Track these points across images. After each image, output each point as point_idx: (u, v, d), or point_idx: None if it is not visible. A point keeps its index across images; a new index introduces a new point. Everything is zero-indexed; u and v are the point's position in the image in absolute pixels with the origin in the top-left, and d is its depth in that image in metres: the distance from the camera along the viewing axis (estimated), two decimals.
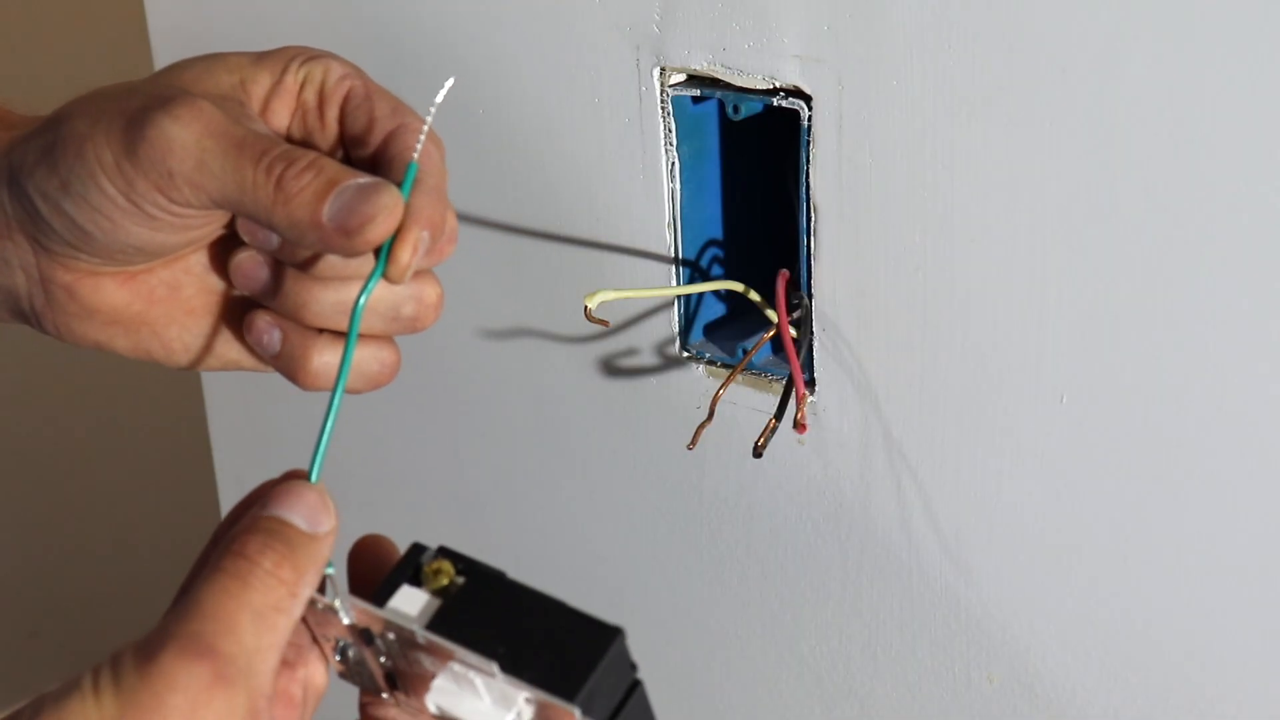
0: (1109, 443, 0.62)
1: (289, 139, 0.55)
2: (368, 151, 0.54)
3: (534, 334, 0.80)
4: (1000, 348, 0.63)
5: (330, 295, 0.54)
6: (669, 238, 0.72)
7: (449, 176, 0.54)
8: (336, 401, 0.49)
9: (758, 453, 0.65)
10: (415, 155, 0.51)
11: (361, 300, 0.50)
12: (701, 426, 0.68)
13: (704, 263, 0.73)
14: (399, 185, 0.50)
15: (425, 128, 0.52)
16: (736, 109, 0.67)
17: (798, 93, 0.65)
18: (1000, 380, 0.64)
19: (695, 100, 0.69)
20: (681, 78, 0.69)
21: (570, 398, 0.79)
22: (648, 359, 0.75)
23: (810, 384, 0.70)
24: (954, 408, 0.65)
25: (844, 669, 0.74)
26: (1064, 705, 0.67)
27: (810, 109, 0.64)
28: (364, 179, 0.50)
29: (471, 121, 0.77)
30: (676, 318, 0.73)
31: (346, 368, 0.50)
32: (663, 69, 0.68)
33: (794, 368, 0.66)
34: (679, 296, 0.73)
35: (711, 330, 0.75)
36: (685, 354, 0.74)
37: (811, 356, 0.69)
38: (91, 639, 2.04)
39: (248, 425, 0.97)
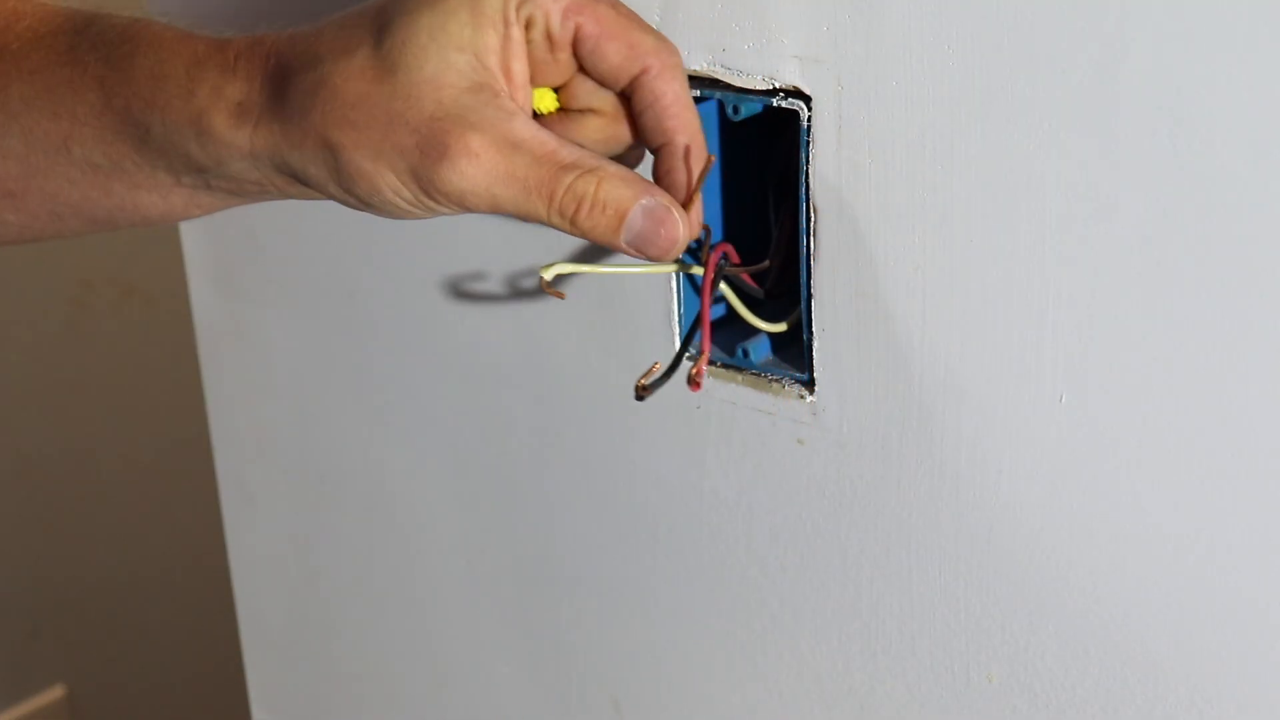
0: (1109, 443, 0.62)
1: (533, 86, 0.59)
2: (616, 90, 0.59)
3: (533, 333, 0.80)
4: (999, 347, 0.63)
5: None
6: None
7: None
8: None
9: (639, 395, 0.65)
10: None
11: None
12: None
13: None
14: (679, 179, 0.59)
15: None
16: (736, 109, 0.67)
17: (797, 93, 0.65)
18: (999, 380, 0.64)
19: (695, 101, 0.69)
20: None
21: (569, 397, 0.79)
22: (648, 359, 0.75)
23: (810, 384, 0.70)
24: (953, 407, 0.65)
25: (844, 669, 0.74)
26: (1064, 705, 0.67)
27: (810, 109, 0.65)
28: (647, 200, 0.56)
29: None
30: (677, 318, 0.73)
31: None
32: None
33: (705, 306, 0.65)
34: (678, 299, 0.73)
35: (711, 330, 0.75)
36: (686, 354, 0.74)
37: (812, 356, 0.69)
38: (92, 639, 2.04)
39: (248, 425, 0.97)
